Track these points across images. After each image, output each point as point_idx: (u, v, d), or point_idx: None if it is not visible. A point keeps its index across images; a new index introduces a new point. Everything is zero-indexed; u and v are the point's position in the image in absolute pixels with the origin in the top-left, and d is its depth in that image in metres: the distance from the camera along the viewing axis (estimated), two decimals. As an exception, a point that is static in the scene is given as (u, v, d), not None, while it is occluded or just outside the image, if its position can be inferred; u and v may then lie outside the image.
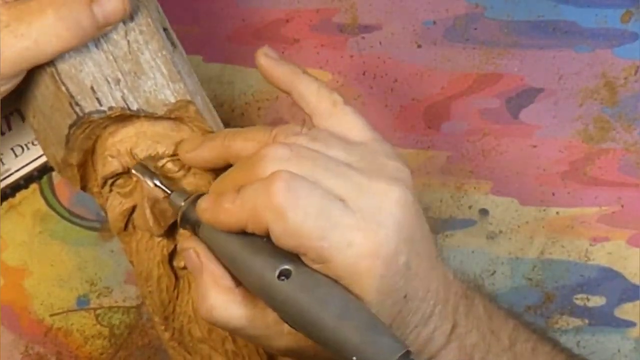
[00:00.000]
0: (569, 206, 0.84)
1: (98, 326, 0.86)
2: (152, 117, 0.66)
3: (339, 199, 0.61)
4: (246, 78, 0.82)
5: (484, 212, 0.84)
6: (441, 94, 0.83)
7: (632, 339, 0.86)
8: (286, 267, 0.61)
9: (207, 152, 0.66)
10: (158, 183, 0.66)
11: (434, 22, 0.83)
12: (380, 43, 0.83)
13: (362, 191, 0.62)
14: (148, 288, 0.69)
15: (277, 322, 0.63)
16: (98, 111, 0.65)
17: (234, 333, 0.67)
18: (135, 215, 0.68)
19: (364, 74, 0.83)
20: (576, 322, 0.86)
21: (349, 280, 0.61)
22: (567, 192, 0.84)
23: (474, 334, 0.67)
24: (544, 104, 0.84)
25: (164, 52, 0.66)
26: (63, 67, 0.65)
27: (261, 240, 0.62)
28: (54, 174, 0.81)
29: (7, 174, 0.77)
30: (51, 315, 0.85)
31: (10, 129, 0.75)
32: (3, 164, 0.76)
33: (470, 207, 0.84)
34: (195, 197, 0.65)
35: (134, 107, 0.65)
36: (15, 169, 0.77)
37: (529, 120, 0.84)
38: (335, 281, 0.61)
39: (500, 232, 0.85)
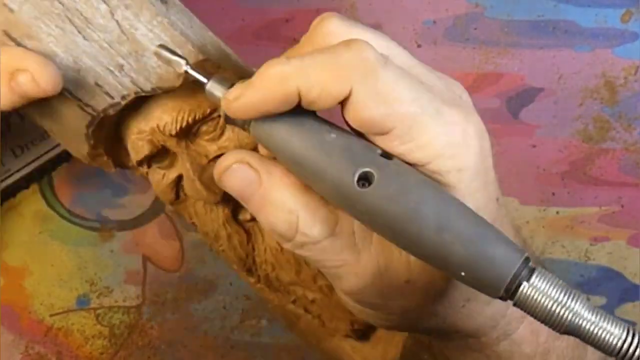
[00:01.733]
0: (569, 206, 0.85)
1: (98, 326, 0.86)
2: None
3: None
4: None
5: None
6: (441, 93, 0.84)
7: (632, 339, 0.86)
8: (366, 169, 0.50)
9: (264, 101, 0.51)
10: (189, 69, 0.55)
11: (434, 22, 0.83)
12: (380, 43, 0.83)
13: (436, 79, 0.53)
14: (220, 247, 0.65)
15: (363, 230, 0.54)
16: (112, 105, 0.59)
17: (314, 249, 0.54)
18: (184, 185, 0.63)
19: (364, 73, 0.83)
20: (576, 321, 0.86)
21: (445, 156, 0.51)
22: (567, 192, 0.85)
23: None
24: (544, 103, 0.84)
25: (159, 19, 0.58)
26: None
27: (329, 135, 0.51)
28: (54, 174, 0.81)
29: (7, 175, 0.77)
30: (51, 315, 0.85)
31: (9, 129, 0.75)
32: (3, 164, 0.76)
33: (470, 207, 0.85)
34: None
35: (148, 87, 0.59)
36: (16, 169, 0.77)
37: (529, 119, 0.84)
38: (427, 176, 0.51)
39: (501, 231, 0.85)
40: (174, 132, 0.61)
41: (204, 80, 0.54)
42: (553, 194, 0.84)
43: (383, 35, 0.54)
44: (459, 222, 0.49)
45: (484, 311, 0.56)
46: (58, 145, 0.79)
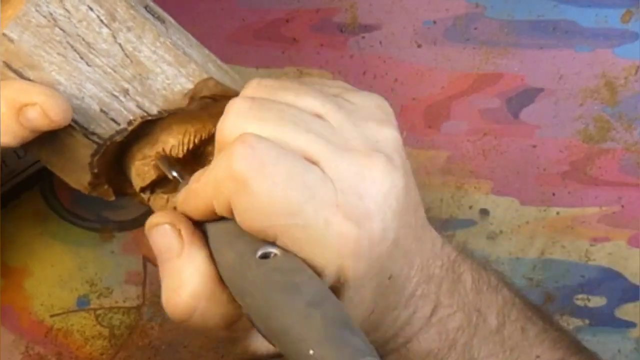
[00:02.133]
0: (570, 206, 0.84)
1: (98, 327, 0.86)
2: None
3: (312, 162, 0.51)
4: (246, 78, 0.81)
5: (484, 212, 0.84)
6: (441, 93, 0.83)
7: (632, 340, 0.86)
8: (271, 250, 0.51)
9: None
10: (175, 174, 0.59)
11: (434, 22, 0.83)
12: (380, 43, 0.83)
13: (340, 152, 0.52)
14: None
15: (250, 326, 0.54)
16: (118, 132, 0.59)
17: (204, 331, 0.56)
18: None
19: (364, 73, 0.83)
20: (577, 322, 0.86)
21: (329, 267, 0.51)
22: (568, 192, 0.84)
23: (458, 316, 0.59)
24: (544, 103, 0.84)
25: (161, 39, 0.59)
26: None
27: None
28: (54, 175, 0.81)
29: (10, 176, 0.77)
30: (51, 316, 0.85)
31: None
32: (6, 165, 0.76)
33: (470, 207, 0.84)
34: None
35: (154, 110, 0.59)
36: (19, 170, 0.77)
37: (529, 120, 0.84)
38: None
39: (501, 232, 0.85)
40: (181, 155, 0.61)
41: (180, 180, 0.59)
42: (553, 194, 0.84)
43: (304, 90, 0.54)
44: (330, 306, 0.49)
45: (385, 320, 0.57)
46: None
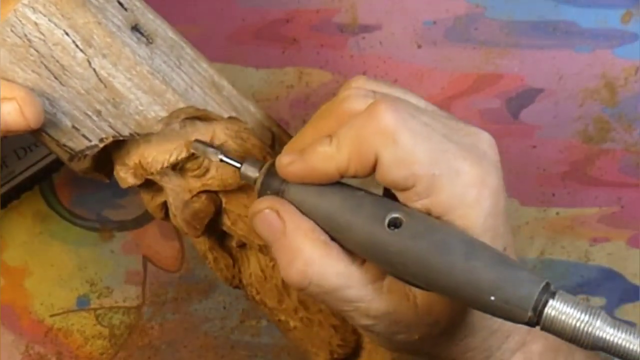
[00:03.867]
0: (569, 206, 0.85)
1: (98, 326, 0.86)
2: None
3: (438, 130, 0.57)
4: (246, 78, 0.82)
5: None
6: (441, 94, 0.83)
7: (632, 340, 0.86)
8: (395, 215, 0.55)
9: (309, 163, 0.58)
10: (224, 157, 0.61)
11: (434, 22, 0.83)
12: (380, 43, 0.83)
13: (455, 130, 0.58)
14: (208, 265, 0.67)
15: (376, 279, 0.58)
16: (89, 147, 0.60)
17: (327, 297, 0.58)
18: (170, 216, 0.65)
19: (364, 74, 0.83)
20: (576, 322, 0.86)
21: (456, 214, 0.56)
22: (567, 193, 0.84)
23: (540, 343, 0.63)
24: (544, 104, 0.84)
25: (138, 68, 0.59)
26: None
27: (359, 192, 0.57)
28: (54, 174, 0.81)
29: (10, 176, 0.77)
30: (51, 316, 0.85)
31: (11, 130, 0.75)
32: (6, 166, 0.76)
33: (470, 208, 0.84)
34: (270, 164, 0.59)
35: (126, 132, 0.60)
36: (19, 170, 0.77)
37: (529, 120, 0.84)
38: (447, 222, 0.56)
39: (501, 232, 0.85)
40: (153, 171, 0.62)
41: (238, 164, 0.60)
42: (553, 194, 0.84)
43: (410, 94, 0.60)
44: (484, 251, 0.54)
45: (480, 345, 0.60)
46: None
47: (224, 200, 0.65)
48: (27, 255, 0.84)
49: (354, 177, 0.57)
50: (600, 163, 0.84)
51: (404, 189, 0.56)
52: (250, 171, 0.60)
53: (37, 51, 0.58)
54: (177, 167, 0.63)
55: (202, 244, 0.66)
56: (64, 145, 0.60)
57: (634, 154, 0.84)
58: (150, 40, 0.61)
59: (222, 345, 0.85)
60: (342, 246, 0.58)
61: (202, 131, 0.63)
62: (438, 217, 0.56)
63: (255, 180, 0.59)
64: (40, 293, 0.85)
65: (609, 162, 0.84)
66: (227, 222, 0.65)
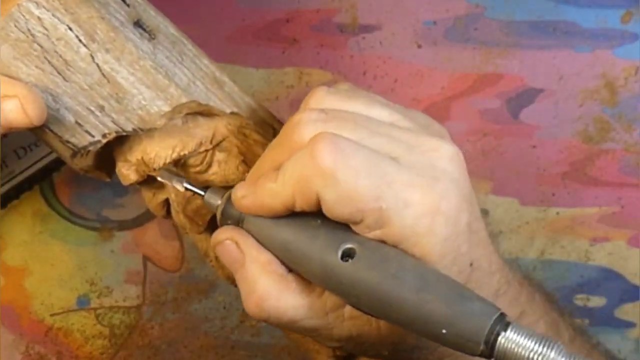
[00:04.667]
0: (569, 206, 0.85)
1: (98, 326, 0.86)
2: None
3: (389, 157, 0.55)
4: (246, 78, 0.82)
5: (484, 212, 0.84)
6: (441, 94, 0.83)
7: (632, 340, 0.86)
8: (349, 245, 0.55)
9: (264, 194, 0.58)
10: (188, 186, 0.61)
11: (434, 22, 0.83)
12: (380, 43, 0.83)
13: (412, 148, 0.56)
14: (210, 263, 0.66)
15: (336, 307, 0.58)
16: (92, 143, 0.60)
17: (288, 327, 0.59)
18: (172, 213, 0.65)
19: (364, 74, 0.83)
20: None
21: (409, 243, 0.55)
22: (567, 193, 0.84)
23: (542, 324, 0.62)
24: (544, 104, 0.84)
25: (141, 63, 0.59)
26: None
27: (314, 221, 0.57)
28: (54, 174, 0.81)
29: (10, 176, 0.77)
30: (51, 315, 0.85)
31: (11, 130, 0.75)
32: (6, 165, 0.76)
33: (470, 208, 0.84)
34: (230, 192, 0.60)
35: (129, 127, 0.60)
36: (19, 170, 0.77)
37: (529, 120, 0.84)
38: (402, 250, 0.55)
39: (501, 232, 0.85)
40: (157, 168, 0.62)
41: (202, 192, 0.61)
42: (553, 194, 0.84)
43: (372, 102, 0.58)
44: (437, 283, 0.53)
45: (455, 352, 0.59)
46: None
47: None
48: (27, 255, 0.84)
49: (305, 216, 0.57)
50: (600, 163, 0.84)
51: (354, 223, 0.56)
52: (213, 199, 0.61)
53: (40, 46, 0.58)
54: (180, 163, 0.63)
55: (204, 241, 0.66)
56: (67, 142, 0.60)
57: (634, 154, 0.84)
58: (153, 36, 0.61)
59: (222, 345, 0.85)
60: (301, 276, 0.58)
61: (205, 127, 0.63)
62: (394, 246, 0.55)
63: (217, 207, 0.60)
64: (40, 293, 0.85)
65: (609, 162, 0.84)
66: None
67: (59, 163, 0.80)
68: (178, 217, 0.64)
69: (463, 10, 0.82)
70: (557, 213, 0.84)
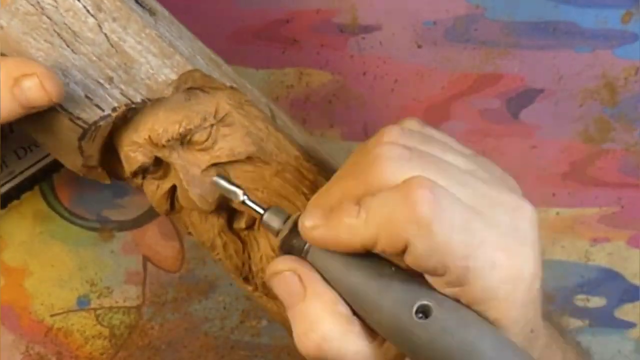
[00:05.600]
0: (569, 207, 0.85)
1: (98, 326, 0.86)
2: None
3: (477, 212, 0.53)
4: (246, 78, 0.81)
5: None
6: (441, 94, 0.83)
7: (632, 340, 0.86)
8: (425, 302, 0.53)
9: (334, 229, 0.55)
10: (247, 201, 0.59)
11: (434, 23, 0.83)
12: (380, 43, 0.83)
13: (494, 205, 0.54)
14: (217, 256, 0.65)
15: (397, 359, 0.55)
16: (102, 117, 0.60)
17: None
18: (178, 196, 0.64)
19: (364, 74, 0.83)
20: (576, 322, 0.86)
21: (487, 305, 0.53)
22: (567, 193, 0.84)
23: None
24: (544, 104, 0.84)
25: (147, 31, 0.60)
26: None
27: (389, 268, 0.54)
28: (54, 175, 0.81)
29: (11, 176, 0.77)
30: (51, 316, 0.85)
31: (12, 131, 0.75)
32: (6, 166, 0.76)
33: (470, 208, 0.84)
34: (296, 218, 0.56)
35: (138, 99, 0.60)
36: (19, 170, 0.77)
37: (529, 120, 0.84)
38: (478, 314, 0.53)
39: (501, 232, 0.85)
40: (164, 142, 0.62)
41: (261, 211, 0.58)
42: (553, 194, 0.84)
43: (450, 146, 0.57)
44: (513, 357, 0.51)
45: None
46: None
47: (231, 174, 0.64)
48: (27, 255, 0.84)
49: (379, 260, 0.54)
50: (601, 163, 0.84)
51: (434, 275, 0.53)
52: (274, 221, 0.58)
53: (49, 18, 0.59)
54: (185, 141, 0.63)
55: (211, 229, 0.65)
56: (77, 118, 0.60)
57: (634, 154, 0.84)
58: (153, 13, 0.62)
59: (222, 345, 0.85)
60: (364, 322, 0.55)
61: (207, 103, 0.63)
62: (467, 305, 0.53)
63: (277, 233, 0.57)
64: (40, 293, 0.85)
65: (609, 162, 0.84)
66: None
67: (59, 164, 0.80)
68: (187, 195, 0.63)
69: (463, 10, 0.82)
70: (557, 213, 0.84)
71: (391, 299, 0.53)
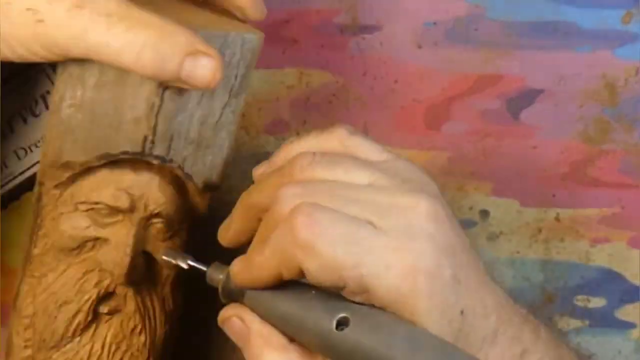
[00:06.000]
0: (570, 207, 0.84)
1: (98, 327, 0.86)
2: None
3: (367, 222, 0.58)
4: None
5: (484, 213, 0.84)
6: (442, 94, 0.83)
7: (632, 340, 0.86)
8: (342, 314, 0.58)
9: (239, 224, 0.65)
10: (192, 263, 0.66)
11: (435, 23, 0.83)
12: (380, 44, 0.83)
13: (388, 210, 0.59)
14: (53, 314, 0.69)
15: None
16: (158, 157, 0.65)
17: None
18: (102, 251, 0.68)
19: (364, 74, 0.83)
20: (577, 323, 0.86)
21: (396, 305, 0.58)
22: (568, 193, 0.84)
23: None
24: (545, 105, 0.84)
25: None
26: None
27: (309, 292, 0.60)
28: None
29: (11, 177, 0.77)
30: (51, 316, 0.85)
31: (12, 131, 0.75)
32: (7, 166, 0.76)
33: (470, 208, 0.84)
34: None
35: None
36: (19, 171, 0.77)
37: (530, 121, 0.84)
38: (394, 315, 0.58)
39: (501, 233, 0.85)
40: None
41: (204, 268, 0.65)
42: (553, 195, 0.84)
43: (361, 150, 0.63)
44: (427, 345, 0.56)
45: None
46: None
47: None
48: (27, 256, 0.84)
49: (301, 286, 0.60)
50: (601, 164, 0.84)
51: (339, 289, 0.58)
52: (215, 274, 0.64)
53: None
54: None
55: (81, 292, 0.69)
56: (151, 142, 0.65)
57: (634, 154, 0.84)
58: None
59: (221, 346, 0.85)
60: (300, 345, 0.61)
61: None
62: (382, 308, 0.58)
63: (218, 283, 0.64)
64: (40, 293, 0.84)
65: (609, 163, 0.84)
66: None
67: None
68: (120, 258, 0.67)
69: (463, 10, 0.82)
70: (557, 214, 0.84)
71: (314, 317, 0.59)
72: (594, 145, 0.84)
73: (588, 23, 0.82)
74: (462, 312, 0.59)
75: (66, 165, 0.67)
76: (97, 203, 0.67)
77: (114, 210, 0.67)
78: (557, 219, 0.84)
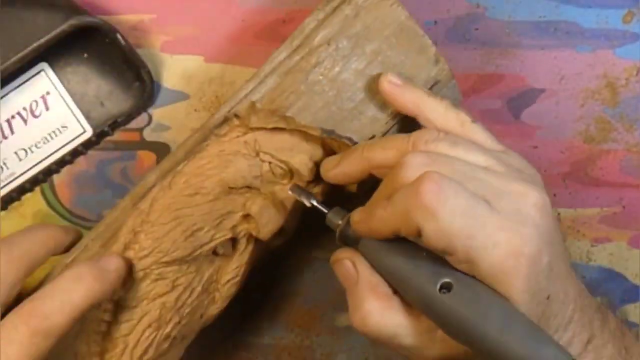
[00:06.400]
0: (570, 207, 0.85)
1: (99, 327, 0.86)
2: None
3: (483, 200, 0.63)
4: (247, 78, 0.82)
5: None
6: (442, 94, 0.83)
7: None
8: (447, 280, 0.63)
9: (348, 167, 0.69)
10: (315, 203, 0.71)
11: (435, 22, 0.82)
12: (381, 43, 0.82)
13: (503, 193, 0.64)
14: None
15: (430, 330, 0.66)
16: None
17: (386, 342, 0.67)
18: (251, 202, 0.71)
19: (364, 74, 0.83)
20: (577, 323, 0.86)
21: (495, 280, 0.62)
22: (568, 193, 0.84)
23: (610, 348, 0.69)
24: (545, 104, 0.84)
25: None
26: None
27: (420, 252, 0.64)
28: (55, 175, 0.81)
29: (11, 178, 0.77)
30: (52, 316, 0.85)
31: (13, 132, 0.75)
32: (7, 167, 0.76)
33: (471, 208, 0.84)
34: (350, 215, 0.68)
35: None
36: (20, 172, 0.77)
37: (530, 120, 0.84)
38: (492, 289, 0.63)
39: (502, 232, 0.85)
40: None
41: (325, 210, 0.70)
42: (554, 195, 0.84)
43: (473, 148, 0.67)
44: (518, 324, 0.61)
45: None
46: (61, 147, 0.79)
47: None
48: (27, 256, 0.84)
49: (413, 246, 0.65)
50: (602, 163, 0.84)
51: (447, 255, 0.63)
52: (335, 218, 0.69)
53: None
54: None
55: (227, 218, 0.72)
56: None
57: (635, 154, 0.84)
58: None
59: (222, 346, 0.85)
60: (402, 298, 0.66)
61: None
62: (482, 281, 0.63)
63: (337, 227, 0.69)
64: (40, 294, 0.84)
65: (610, 163, 0.84)
66: None
67: (59, 165, 0.80)
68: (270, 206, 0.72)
69: (464, 10, 0.82)
70: (558, 214, 0.84)
71: (419, 277, 0.64)
72: (594, 144, 0.84)
73: (589, 23, 0.83)
74: (548, 297, 0.64)
75: (281, 117, 0.71)
76: (282, 162, 0.71)
77: (289, 174, 0.71)
78: (558, 218, 0.84)
